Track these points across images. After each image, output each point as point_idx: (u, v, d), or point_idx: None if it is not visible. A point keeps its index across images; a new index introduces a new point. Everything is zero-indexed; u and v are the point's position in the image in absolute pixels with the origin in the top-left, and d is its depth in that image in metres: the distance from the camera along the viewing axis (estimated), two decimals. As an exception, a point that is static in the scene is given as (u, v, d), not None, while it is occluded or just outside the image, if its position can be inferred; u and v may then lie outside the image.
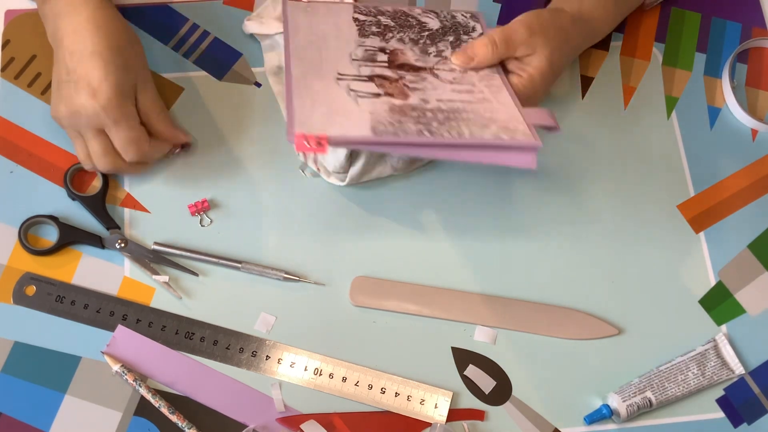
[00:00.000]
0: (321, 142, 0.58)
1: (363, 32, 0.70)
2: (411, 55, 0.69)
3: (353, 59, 0.67)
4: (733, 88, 0.80)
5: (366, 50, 0.68)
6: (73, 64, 0.64)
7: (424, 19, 0.73)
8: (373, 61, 0.67)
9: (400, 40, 0.70)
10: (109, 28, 0.65)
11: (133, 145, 0.66)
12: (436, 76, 0.67)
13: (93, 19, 0.65)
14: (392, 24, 0.71)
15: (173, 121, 0.73)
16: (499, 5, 0.82)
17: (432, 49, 0.70)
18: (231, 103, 0.76)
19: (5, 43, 0.76)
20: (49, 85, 0.75)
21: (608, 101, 0.79)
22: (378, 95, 0.64)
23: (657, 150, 0.78)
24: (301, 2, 0.71)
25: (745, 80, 0.81)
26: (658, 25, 0.82)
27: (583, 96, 0.79)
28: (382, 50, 0.69)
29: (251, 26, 0.77)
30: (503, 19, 0.80)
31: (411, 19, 0.73)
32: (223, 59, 0.78)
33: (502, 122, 0.63)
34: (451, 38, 0.71)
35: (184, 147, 0.73)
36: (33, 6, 0.78)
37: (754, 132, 0.79)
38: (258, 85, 0.77)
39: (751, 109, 0.80)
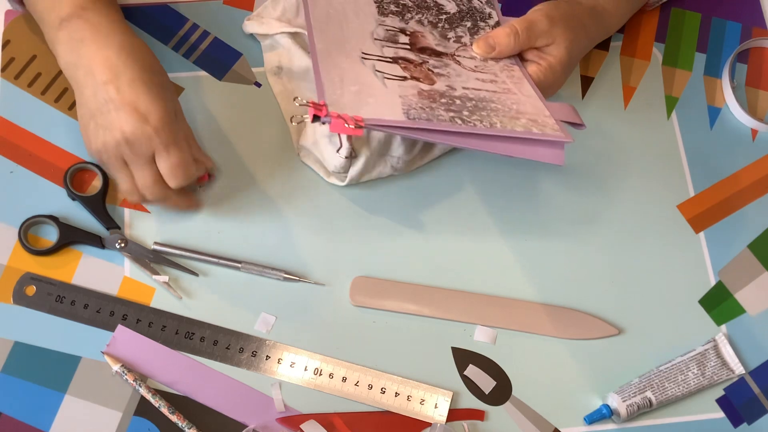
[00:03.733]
0: (359, 124, 0.57)
1: (382, 10, 0.70)
2: (431, 39, 0.69)
3: (375, 38, 0.67)
4: (733, 88, 0.80)
5: (387, 30, 0.68)
6: (111, 93, 0.61)
7: (441, 1, 0.73)
8: (395, 42, 0.68)
9: (419, 21, 0.70)
10: (142, 53, 0.63)
11: (182, 168, 0.63)
12: (458, 62, 0.68)
13: (125, 47, 0.62)
14: (410, 4, 0.72)
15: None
16: (500, 5, 0.82)
17: (451, 35, 0.70)
18: (231, 103, 0.76)
19: (5, 44, 0.76)
20: (49, 86, 0.75)
21: (608, 101, 0.79)
22: (404, 78, 0.64)
23: (657, 150, 0.77)
24: None
25: (745, 80, 0.81)
26: (658, 25, 0.82)
27: (583, 96, 0.79)
28: (403, 31, 0.69)
29: (251, 26, 0.77)
30: (505, 14, 0.80)
31: (428, 0, 0.73)
32: (223, 59, 0.77)
33: (531, 115, 0.64)
34: (468, 24, 0.72)
35: (210, 178, 0.72)
36: (33, 6, 0.78)
37: (754, 132, 0.79)
38: (258, 85, 0.77)
39: (751, 109, 0.80)
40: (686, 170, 0.77)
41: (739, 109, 0.78)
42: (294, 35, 0.76)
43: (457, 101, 0.63)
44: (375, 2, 0.70)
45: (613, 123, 0.78)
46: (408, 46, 0.68)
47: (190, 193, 0.71)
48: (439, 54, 0.68)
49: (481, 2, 0.75)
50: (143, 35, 0.77)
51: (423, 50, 0.68)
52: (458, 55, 0.69)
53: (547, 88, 0.70)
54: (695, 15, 0.83)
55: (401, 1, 0.72)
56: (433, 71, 0.66)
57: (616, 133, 0.78)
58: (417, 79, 0.65)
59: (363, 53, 0.66)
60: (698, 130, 0.79)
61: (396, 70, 0.65)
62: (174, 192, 0.66)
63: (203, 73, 0.77)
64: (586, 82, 0.80)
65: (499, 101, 0.65)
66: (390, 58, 0.66)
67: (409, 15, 0.71)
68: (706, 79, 0.81)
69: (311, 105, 0.58)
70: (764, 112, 0.80)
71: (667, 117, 0.79)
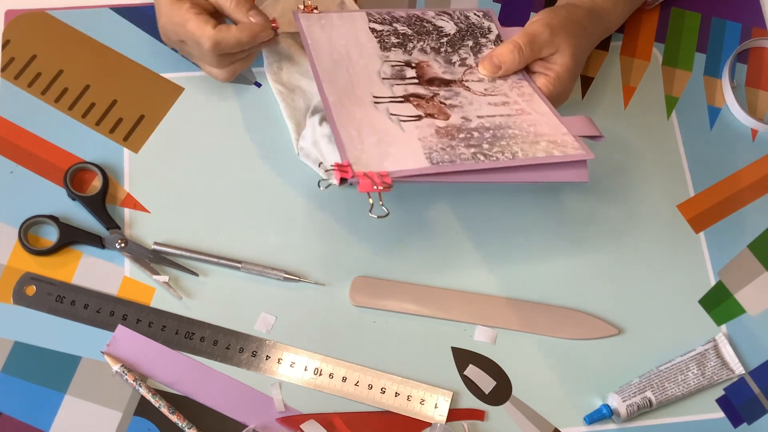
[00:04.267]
0: (386, 180, 0.57)
1: (384, 45, 0.70)
2: (437, 68, 0.69)
3: (383, 78, 0.67)
4: (733, 88, 0.80)
5: (393, 66, 0.68)
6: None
7: (439, 23, 0.73)
8: (403, 78, 0.67)
9: (422, 50, 0.70)
10: None
11: (197, 38, 0.66)
12: (468, 88, 0.68)
13: None
14: (410, 32, 0.71)
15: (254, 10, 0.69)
16: (499, 5, 0.82)
17: (455, 58, 0.70)
18: (231, 103, 0.76)
19: (5, 43, 0.76)
20: (49, 86, 0.75)
21: (608, 101, 0.79)
22: (419, 117, 0.64)
23: (657, 150, 0.78)
24: (313, 14, 0.70)
25: (745, 80, 0.81)
26: (658, 25, 0.82)
27: (583, 96, 0.79)
28: (408, 64, 0.69)
29: (251, 26, 0.77)
30: (504, 19, 0.80)
31: (426, 24, 0.72)
32: (223, 59, 0.77)
33: (549, 136, 0.64)
34: (470, 43, 0.71)
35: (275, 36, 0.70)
36: (33, 6, 0.78)
37: (754, 132, 0.79)
38: (258, 85, 0.77)
39: (751, 109, 0.80)
40: (686, 170, 0.77)
41: (739, 109, 0.78)
42: (294, 35, 0.76)
43: (475, 134, 0.63)
44: (376, 37, 0.70)
45: (613, 123, 0.78)
46: (416, 80, 0.68)
47: (244, 25, 0.68)
48: (447, 83, 0.68)
49: (479, 16, 0.75)
50: (143, 35, 0.77)
51: (431, 81, 0.68)
52: (466, 80, 0.68)
53: (557, 97, 0.70)
54: (695, 15, 0.83)
55: (401, 31, 0.71)
56: (445, 103, 0.66)
57: (616, 133, 0.78)
58: (431, 115, 0.64)
59: (374, 97, 0.65)
60: (698, 130, 0.79)
61: (409, 109, 0.65)
62: (228, 41, 0.67)
63: (203, 73, 0.77)
64: (586, 82, 0.80)
65: (515, 125, 0.65)
66: (401, 97, 0.66)
67: (411, 45, 0.70)
68: (706, 79, 0.81)
69: (336, 168, 0.58)
70: (764, 112, 0.80)
71: (667, 117, 0.79)
